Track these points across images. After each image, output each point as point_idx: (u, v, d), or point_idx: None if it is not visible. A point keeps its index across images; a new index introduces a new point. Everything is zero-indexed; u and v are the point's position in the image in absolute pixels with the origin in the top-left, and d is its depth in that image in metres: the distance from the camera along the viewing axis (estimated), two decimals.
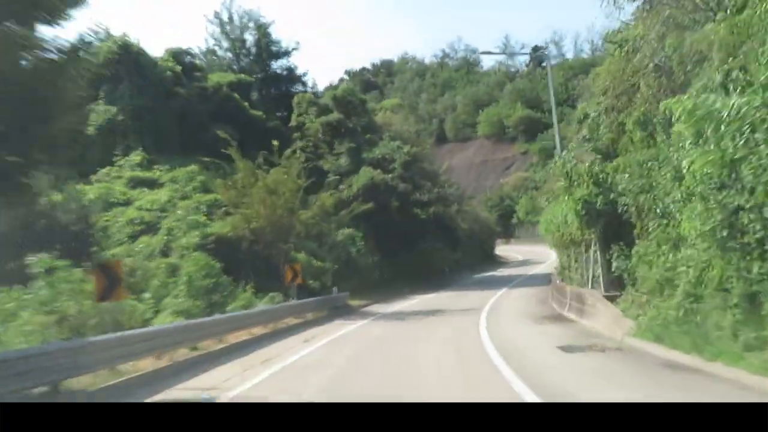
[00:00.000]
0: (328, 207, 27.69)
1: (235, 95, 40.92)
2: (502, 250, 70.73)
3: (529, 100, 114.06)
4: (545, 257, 59.89)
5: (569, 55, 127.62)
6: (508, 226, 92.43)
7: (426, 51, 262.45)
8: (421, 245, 42.02)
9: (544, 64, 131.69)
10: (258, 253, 24.23)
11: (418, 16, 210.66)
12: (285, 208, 23.66)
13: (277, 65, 50.26)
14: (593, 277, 20.26)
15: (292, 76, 49.28)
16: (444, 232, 44.96)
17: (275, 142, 24.54)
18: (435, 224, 41.98)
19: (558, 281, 27.91)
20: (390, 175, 37.00)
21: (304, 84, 49.88)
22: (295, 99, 42.55)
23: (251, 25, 49.84)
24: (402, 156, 38.03)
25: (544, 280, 37.04)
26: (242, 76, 44.47)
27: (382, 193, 36.33)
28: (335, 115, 39.88)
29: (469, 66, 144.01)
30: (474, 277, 45.80)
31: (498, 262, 61.81)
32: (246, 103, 41.88)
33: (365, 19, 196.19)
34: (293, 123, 41.55)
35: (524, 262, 57.53)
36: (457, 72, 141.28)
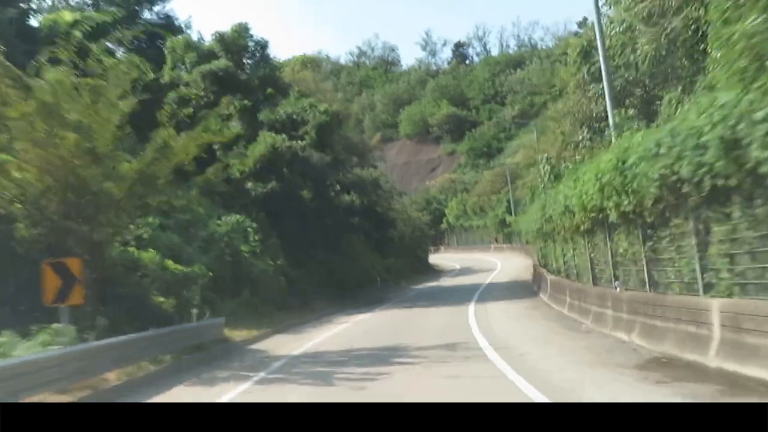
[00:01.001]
0: (213, 184, 16.09)
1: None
2: (432, 258, 60.24)
3: (454, 98, 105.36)
4: (491, 264, 49.98)
5: (494, 52, 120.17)
6: (436, 231, 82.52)
7: (341, 49, 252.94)
8: (345, 246, 30.71)
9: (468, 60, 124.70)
10: (32, 245, 12.19)
11: (332, 13, 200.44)
12: (86, 152, 11.75)
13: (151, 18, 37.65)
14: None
15: (170, 26, 36.79)
16: (375, 230, 33.88)
17: None
18: (364, 216, 30.83)
19: (572, 286, 17.59)
20: (300, 143, 25.48)
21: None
22: (168, 44, 30.37)
23: None
24: (317, 117, 26.60)
25: (517, 290, 26.83)
26: (93, 14, 31.73)
27: (289, 168, 24.85)
28: (222, 63, 28.00)
29: (387, 65, 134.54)
30: (414, 290, 34.85)
31: (434, 271, 51.33)
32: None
33: (277, 17, 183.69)
34: (166, 79, 29.32)
35: (465, 271, 47.34)
36: (375, 71, 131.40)
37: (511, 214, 64.04)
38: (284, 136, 24.96)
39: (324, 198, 27.59)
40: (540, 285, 25.36)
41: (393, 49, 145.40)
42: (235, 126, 25.74)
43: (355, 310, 23.57)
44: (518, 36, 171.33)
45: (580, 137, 26.96)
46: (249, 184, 24.51)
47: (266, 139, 24.63)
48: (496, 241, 67.53)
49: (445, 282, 38.30)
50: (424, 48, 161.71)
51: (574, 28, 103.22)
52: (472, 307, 20.95)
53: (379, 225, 33.06)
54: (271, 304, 21.34)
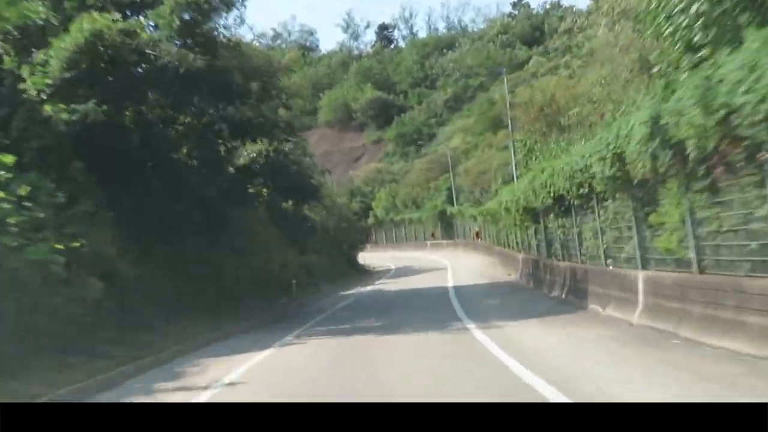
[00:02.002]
0: None
1: None
2: (360, 256, 49.50)
3: (380, 82, 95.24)
4: (435, 263, 39.84)
5: (422, 34, 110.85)
6: (363, 227, 71.91)
7: (255, 31, 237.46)
8: (238, 230, 19.71)
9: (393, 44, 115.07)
10: None
11: None
12: None
13: None
14: None
15: None
16: (288, 202, 23.07)
17: None
18: (270, 179, 19.82)
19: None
20: (148, 34, 14.19)
21: None
22: None
23: None
24: None
25: (520, 296, 16.94)
26: None
27: (125, 78, 13.62)
28: None
29: (305, 51, 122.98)
30: (346, 298, 24.07)
31: (365, 271, 40.70)
32: None
33: None
34: None
35: (405, 271, 37.12)
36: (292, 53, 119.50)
37: (453, 204, 54.26)
38: (118, 16, 13.59)
39: (201, 144, 16.49)
40: (556, 283, 15.34)
41: (311, 33, 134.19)
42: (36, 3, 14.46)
43: (244, 342, 12.63)
44: (448, 18, 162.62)
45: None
46: (48, 108, 13.14)
47: (84, 24, 13.21)
48: (433, 236, 57.63)
49: (386, 286, 27.78)
50: (345, 30, 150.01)
51: (508, 9, 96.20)
52: (480, 336, 10.41)
53: (295, 193, 22.03)
54: (91, 330, 10.31)
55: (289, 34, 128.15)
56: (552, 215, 16.73)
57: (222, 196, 17.84)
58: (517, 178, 32.03)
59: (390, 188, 71.54)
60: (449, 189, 55.83)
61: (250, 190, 20.57)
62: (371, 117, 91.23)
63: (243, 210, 20.25)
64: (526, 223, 21.02)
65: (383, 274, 38.10)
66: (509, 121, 34.21)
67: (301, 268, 26.91)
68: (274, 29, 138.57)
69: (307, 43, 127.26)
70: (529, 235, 20.94)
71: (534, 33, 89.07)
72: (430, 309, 15.81)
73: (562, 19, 77.14)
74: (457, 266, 34.15)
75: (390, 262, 47.93)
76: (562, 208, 15.41)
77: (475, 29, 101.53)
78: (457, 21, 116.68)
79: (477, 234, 43.82)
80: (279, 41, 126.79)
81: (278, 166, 19.34)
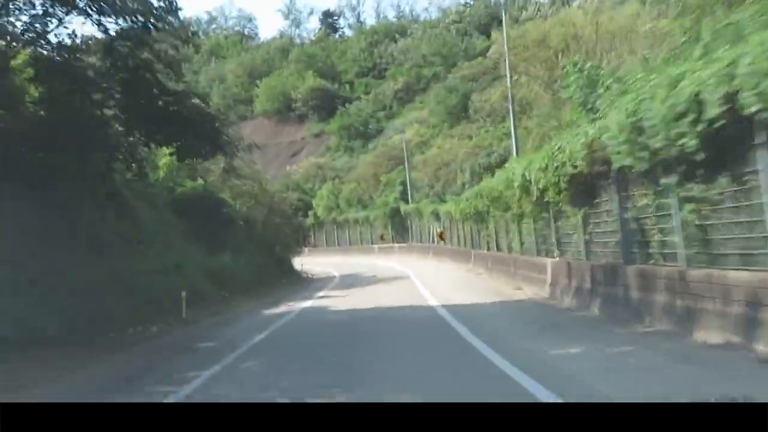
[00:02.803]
0: None
1: None
2: (297, 261, 40.79)
3: (323, 71, 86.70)
4: (391, 270, 31.74)
5: (370, 22, 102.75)
6: (297, 228, 63.18)
7: (189, 12, 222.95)
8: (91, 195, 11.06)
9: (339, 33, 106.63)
10: None
11: None
12: None
13: None
14: None
15: None
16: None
17: None
18: (130, 97, 11.14)
19: None
20: None
21: None
22: None
23: None
24: None
25: (587, 326, 8.34)
26: None
27: None
28: None
29: (243, 38, 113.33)
30: (266, 319, 15.44)
31: (304, 280, 32.11)
32: None
33: None
34: None
35: (353, 281, 28.90)
36: (228, 39, 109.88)
37: (408, 201, 46.24)
38: None
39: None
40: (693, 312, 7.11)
41: (250, 19, 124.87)
42: None
43: None
44: (398, 6, 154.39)
45: None
46: None
47: None
48: (382, 239, 49.51)
49: (332, 302, 19.45)
50: (286, 16, 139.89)
51: None
52: None
53: (182, 135, 13.25)
54: None
55: (226, 20, 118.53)
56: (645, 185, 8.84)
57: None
58: (518, 153, 24.27)
59: (333, 184, 63.05)
60: (403, 184, 47.84)
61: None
62: (313, 108, 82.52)
63: (89, 163, 11.46)
64: (560, 207, 13.09)
65: (325, 283, 29.64)
66: (507, 70, 26.44)
67: (203, 274, 18.24)
68: (209, 12, 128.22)
69: (245, 31, 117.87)
70: (574, 227, 12.92)
71: (492, 23, 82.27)
72: (442, 363, 7.60)
73: (523, 9, 71.32)
74: (423, 275, 26.10)
75: (333, 268, 39.50)
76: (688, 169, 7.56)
77: (429, 18, 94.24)
78: (409, 10, 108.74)
79: (441, 235, 35.85)
80: (214, 26, 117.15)
81: (143, 80, 10.63)
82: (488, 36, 78.23)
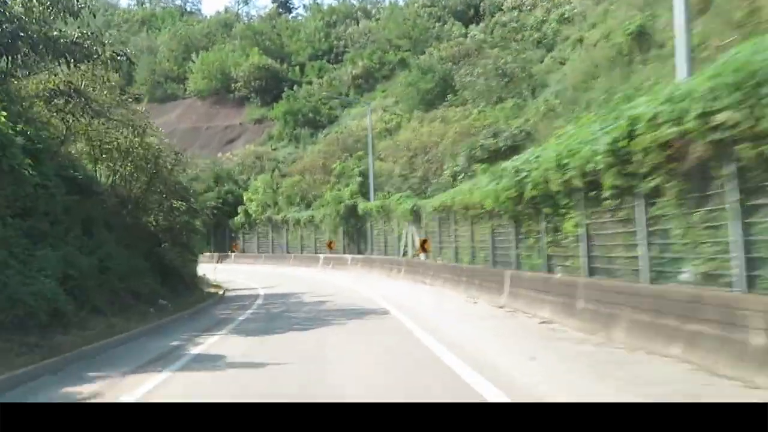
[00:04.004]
0: None
1: None
2: (207, 268, 28.02)
3: (271, 51, 74.33)
4: (353, 292, 19.63)
5: (330, 1, 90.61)
6: (224, 229, 50.46)
7: None
8: None
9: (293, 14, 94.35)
10: None
11: None
12: None
13: None
14: None
15: None
16: None
17: None
18: None
19: None
20: None
21: None
22: None
23: None
24: None
25: None
26: None
27: None
28: None
29: (183, 13, 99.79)
30: None
31: (202, 300, 19.82)
32: None
33: None
34: None
35: (292, 306, 17.02)
36: (165, 10, 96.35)
37: (368, 197, 34.36)
38: None
39: None
40: None
41: None
42: None
43: None
44: None
45: None
46: None
47: None
48: (330, 247, 37.44)
49: (245, 368, 7.60)
50: None
51: None
52: None
53: None
54: None
55: None
56: None
57: None
58: None
59: (272, 176, 50.63)
60: (363, 175, 35.93)
61: None
62: (255, 90, 69.94)
63: None
64: None
65: (240, 306, 17.51)
66: None
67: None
68: None
69: (187, 6, 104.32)
70: None
71: (468, 11, 71.72)
72: None
73: None
74: (421, 314, 14.28)
75: (258, 281, 27.38)
76: None
77: (398, 2, 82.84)
78: None
79: (424, 245, 24.14)
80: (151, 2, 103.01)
81: None
82: (466, 24, 67.85)
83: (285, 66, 71.89)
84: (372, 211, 32.16)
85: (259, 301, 19.14)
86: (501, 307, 14.13)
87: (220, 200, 49.83)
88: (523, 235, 14.70)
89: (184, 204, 21.13)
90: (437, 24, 68.35)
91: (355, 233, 34.95)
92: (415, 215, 25.88)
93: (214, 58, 73.80)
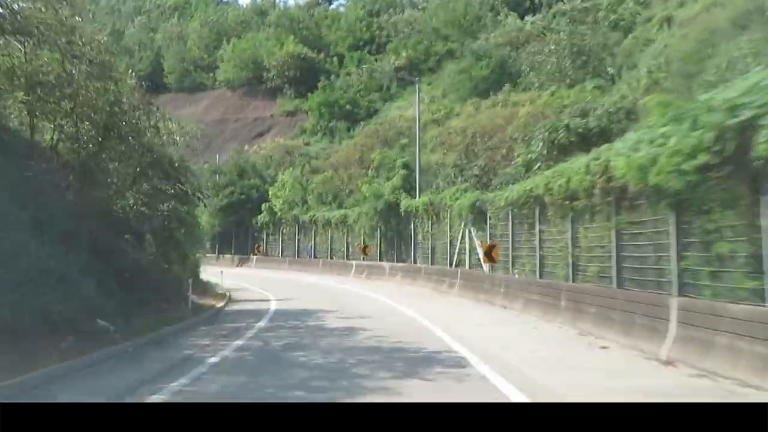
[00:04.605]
0: None
1: None
2: (214, 272, 22.26)
3: (308, 40, 68.97)
4: (405, 318, 13.29)
5: None
6: (246, 228, 44.93)
7: None
8: None
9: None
10: None
11: None
12: None
13: None
14: None
15: None
16: None
17: None
18: None
19: None
20: None
21: None
22: None
23: None
24: None
25: None
26: None
27: None
28: None
29: (219, 2, 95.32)
30: None
31: (191, 309, 14.26)
32: None
33: None
34: None
35: (302, 327, 11.23)
36: None
37: (414, 193, 28.34)
38: None
39: None
40: None
41: None
42: None
43: None
44: None
45: None
46: None
47: None
48: (364, 252, 31.52)
49: None
50: None
51: None
52: None
53: None
54: None
55: None
56: None
57: None
58: None
59: (301, 170, 44.96)
60: (407, 167, 29.92)
61: None
62: (289, 80, 64.70)
63: None
64: None
65: (232, 331, 11.62)
66: None
67: None
68: None
69: None
70: None
71: (523, 1, 65.47)
72: None
73: None
74: (522, 360, 8.08)
75: (275, 290, 21.73)
76: None
77: None
78: None
79: (491, 252, 18.09)
80: None
81: None
82: (521, 16, 61.57)
83: (322, 56, 66.43)
84: (417, 210, 26.14)
85: (263, 323, 13.26)
86: (668, 363, 7.99)
87: (243, 195, 44.39)
88: (696, 236, 8.58)
89: (172, 184, 15.38)
90: (489, 13, 62.29)
91: (395, 236, 28.96)
92: (477, 213, 19.80)
93: (247, 46, 68.84)
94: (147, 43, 78.87)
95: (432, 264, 25.31)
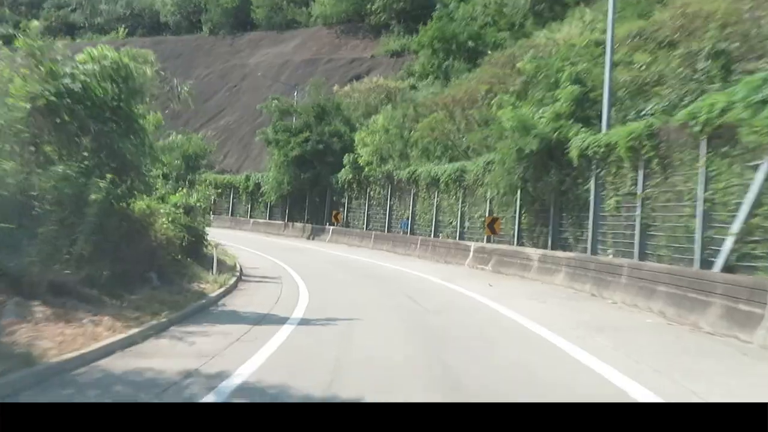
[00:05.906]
0: None
1: None
2: (290, 249, 10.69)
3: None
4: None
5: None
6: (323, 189, 33.37)
7: None
8: None
9: None
10: None
11: None
12: None
13: None
14: None
15: None
16: None
17: None
18: None
19: None
20: None
21: None
22: None
23: None
24: None
25: None
26: None
27: None
28: None
29: None
30: None
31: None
32: None
33: None
34: None
35: None
36: None
37: (599, 123, 15.00)
38: None
39: None
40: None
41: None
42: None
43: None
44: None
45: None
46: None
47: None
48: (494, 231, 18.79)
49: None
50: None
51: None
52: None
53: None
54: None
55: None
56: None
57: None
58: None
59: (404, 114, 32.51)
60: (579, 81, 16.87)
61: None
62: (397, 14, 52.23)
63: None
64: None
65: None
66: None
67: None
68: None
69: None
70: None
71: None
72: None
73: None
74: None
75: (324, 285, 9.36)
76: None
77: None
78: None
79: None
80: None
81: None
82: None
83: None
84: (608, 152, 13.19)
85: None
86: None
87: (321, 145, 32.67)
88: None
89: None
90: None
91: (552, 204, 16.18)
92: None
93: None
94: None
95: (640, 257, 12.32)
